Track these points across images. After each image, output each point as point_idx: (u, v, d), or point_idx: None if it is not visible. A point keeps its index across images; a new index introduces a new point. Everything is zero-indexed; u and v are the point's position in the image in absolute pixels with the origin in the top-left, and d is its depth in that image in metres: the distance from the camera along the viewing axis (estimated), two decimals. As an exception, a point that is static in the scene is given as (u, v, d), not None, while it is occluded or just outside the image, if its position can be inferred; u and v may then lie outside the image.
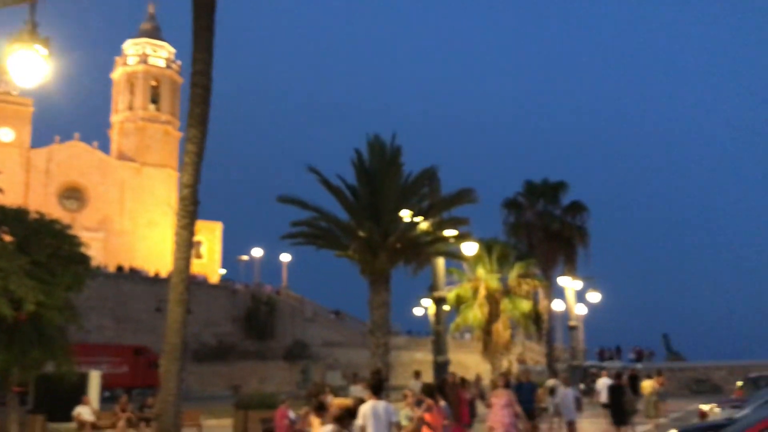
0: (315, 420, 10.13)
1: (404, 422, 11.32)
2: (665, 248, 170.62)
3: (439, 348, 23.97)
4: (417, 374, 20.19)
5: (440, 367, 23.42)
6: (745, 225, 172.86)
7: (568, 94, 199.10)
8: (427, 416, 10.87)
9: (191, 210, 15.10)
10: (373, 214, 22.22)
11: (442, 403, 11.49)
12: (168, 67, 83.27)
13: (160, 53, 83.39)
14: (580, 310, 43.18)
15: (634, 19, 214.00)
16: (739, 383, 24.26)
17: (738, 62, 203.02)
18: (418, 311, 54.17)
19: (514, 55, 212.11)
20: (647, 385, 22.79)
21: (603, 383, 21.81)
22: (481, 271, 32.45)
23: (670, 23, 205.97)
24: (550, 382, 24.76)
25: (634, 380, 24.66)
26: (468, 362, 53.14)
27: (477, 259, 31.31)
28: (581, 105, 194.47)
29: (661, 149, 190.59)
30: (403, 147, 23.30)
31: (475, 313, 31.65)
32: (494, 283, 32.10)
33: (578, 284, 41.27)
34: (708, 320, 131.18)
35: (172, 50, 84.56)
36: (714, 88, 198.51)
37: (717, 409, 19.02)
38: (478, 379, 24.38)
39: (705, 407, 19.73)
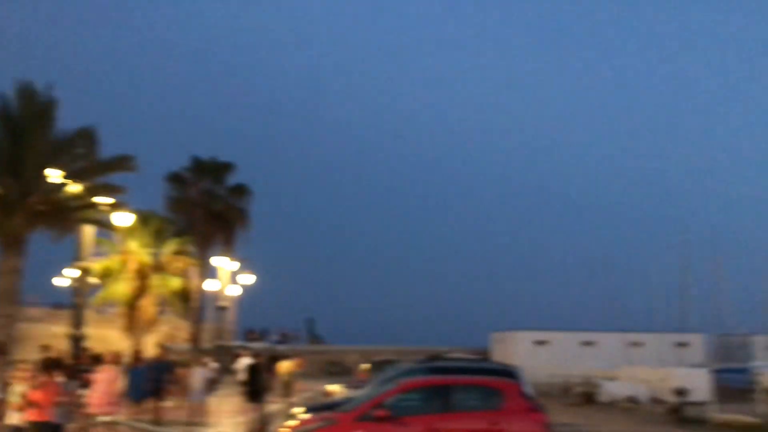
0: None
1: (15, 399, 10.46)
2: (322, 239, 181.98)
3: (77, 321, 22.79)
4: (44, 348, 18.74)
5: (76, 341, 22.55)
6: (390, 225, 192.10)
7: (249, 76, 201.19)
8: (36, 394, 10.04)
9: None
10: (14, 168, 20.12)
11: (60, 379, 10.72)
12: None
13: None
14: (234, 290, 43.73)
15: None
16: (364, 366, 26.72)
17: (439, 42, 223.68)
18: (62, 282, 50.09)
19: (195, 31, 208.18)
20: (284, 365, 24.02)
21: (243, 363, 22.42)
22: (133, 245, 31.22)
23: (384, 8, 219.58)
24: (194, 361, 24.77)
25: (273, 361, 25.73)
26: (110, 338, 50.63)
27: (131, 232, 30.04)
28: (263, 89, 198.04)
29: (341, 145, 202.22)
30: (63, 102, 21.41)
31: (122, 288, 30.43)
32: (146, 257, 31.13)
33: (235, 265, 41.78)
34: (350, 308, 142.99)
35: None
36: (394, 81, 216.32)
37: (342, 389, 20.77)
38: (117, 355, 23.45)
39: (330, 387, 21.45)
